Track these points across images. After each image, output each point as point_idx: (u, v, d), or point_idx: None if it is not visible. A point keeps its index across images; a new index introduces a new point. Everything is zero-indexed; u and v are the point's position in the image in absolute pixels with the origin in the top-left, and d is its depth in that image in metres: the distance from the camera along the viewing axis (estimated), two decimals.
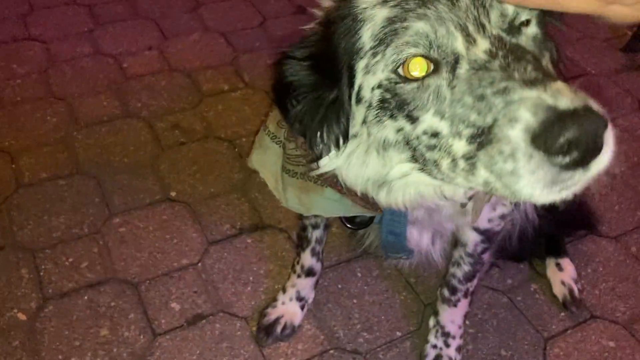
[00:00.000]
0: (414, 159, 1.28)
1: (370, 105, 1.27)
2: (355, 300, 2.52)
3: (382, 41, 1.18)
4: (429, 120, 1.19)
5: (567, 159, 0.97)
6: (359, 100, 1.29)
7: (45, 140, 3.17)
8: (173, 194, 2.93)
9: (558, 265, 2.58)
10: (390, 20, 1.17)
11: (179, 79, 3.62)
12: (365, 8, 1.23)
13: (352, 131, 1.35)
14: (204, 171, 3.06)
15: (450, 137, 1.16)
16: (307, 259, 2.33)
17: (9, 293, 2.48)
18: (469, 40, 1.13)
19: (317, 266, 2.37)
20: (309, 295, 2.42)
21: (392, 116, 1.24)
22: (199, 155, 3.14)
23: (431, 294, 2.52)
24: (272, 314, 2.38)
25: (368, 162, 1.37)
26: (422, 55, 1.15)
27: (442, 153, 1.19)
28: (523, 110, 1.00)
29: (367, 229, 2.19)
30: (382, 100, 1.23)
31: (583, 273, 2.66)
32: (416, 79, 1.16)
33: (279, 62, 1.35)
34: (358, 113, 1.31)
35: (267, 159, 1.82)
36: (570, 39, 4.07)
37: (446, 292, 2.20)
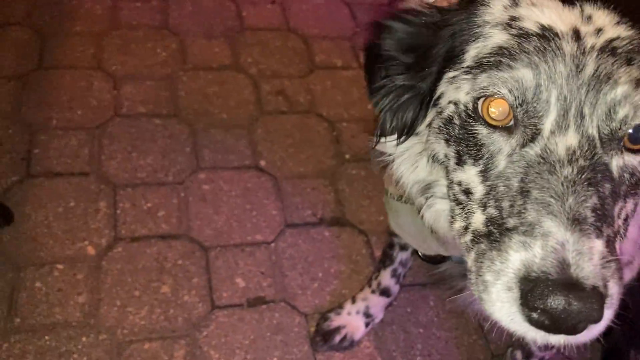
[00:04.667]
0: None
1: (440, 114, 1.18)
2: (421, 330, 2.39)
3: (482, 66, 1.07)
4: (470, 174, 1.10)
5: (535, 317, 0.92)
6: (435, 103, 1.21)
7: (150, 73, 3.11)
8: (262, 163, 2.84)
9: None
10: (501, 51, 1.05)
11: (294, 42, 3.48)
12: (486, 23, 1.11)
13: (416, 128, 1.28)
14: (297, 147, 2.94)
15: (476, 204, 1.08)
16: (387, 278, 2.20)
17: (84, 223, 2.46)
18: (560, 124, 1.00)
19: (395, 288, 2.24)
20: (378, 314, 2.30)
21: (447, 141, 1.16)
22: (296, 129, 3.02)
23: (502, 345, 2.35)
24: (335, 321, 2.27)
25: (418, 164, 1.32)
26: (509, 105, 1.03)
27: (462, 213, 1.12)
28: (538, 248, 0.92)
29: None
30: (449, 120, 1.14)
31: None
32: (487, 125, 1.06)
33: (381, 26, 1.25)
34: (428, 115, 1.24)
35: (403, 222, 1.70)
36: None
37: (519, 356, 2.02)
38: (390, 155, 1.37)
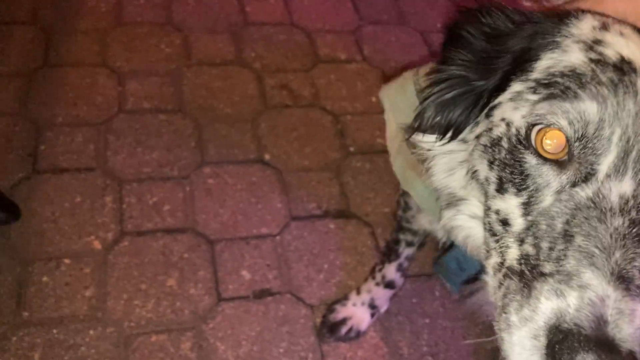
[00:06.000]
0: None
1: (489, 131, 1.09)
2: (427, 320, 2.39)
3: (548, 86, 0.98)
4: (511, 204, 1.02)
5: None
6: (488, 114, 1.11)
7: (154, 69, 3.12)
8: (267, 156, 2.84)
9: None
10: (573, 74, 0.96)
11: (298, 36, 3.49)
12: (570, 35, 1.03)
13: (464, 134, 1.18)
14: (302, 141, 2.94)
15: (513, 238, 1.00)
16: (391, 272, 2.20)
17: (90, 217, 2.48)
18: (618, 167, 0.91)
19: (400, 281, 2.24)
20: (383, 305, 2.30)
21: (491, 163, 1.07)
22: (300, 123, 3.02)
23: None
24: (340, 313, 2.28)
25: (455, 172, 1.23)
26: (566, 138, 0.95)
27: (496, 246, 1.04)
28: (574, 299, 0.84)
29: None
30: (497, 141, 1.05)
31: None
32: (538, 156, 0.98)
33: (468, 11, 1.17)
34: (480, 124, 1.14)
35: (399, 104, 1.57)
36: None
37: None
38: (429, 150, 1.27)
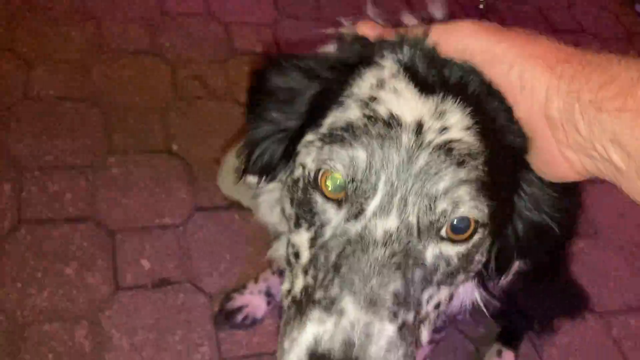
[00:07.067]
0: None
1: (292, 173, 1.19)
2: None
3: (331, 137, 1.08)
4: (302, 239, 1.12)
5: None
6: (294, 159, 1.20)
7: (64, 57, 3.08)
8: (175, 147, 2.86)
9: (499, 352, 2.45)
10: (349, 127, 1.06)
11: (215, 28, 3.50)
12: (352, 95, 1.11)
13: (280, 175, 1.27)
14: (211, 132, 2.97)
15: (301, 270, 1.10)
16: None
17: None
18: (384, 208, 1.02)
19: None
20: (279, 293, 2.36)
21: (292, 201, 1.16)
22: (211, 114, 3.04)
23: None
24: (237, 301, 2.33)
25: (274, 209, 1.34)
26: (343, 180, 1.05)
27: (290, 275, 1.14)
28: (330, 325, 0.96)
29: None
30: (296, 181, 1.15)
31: (558, 343, 2.59)
32: (323, 195, 1.08)
33: (273, 60, 1.24)
34: (289, 167, 1.23)
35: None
36: None
37: None
38: (257, 188, 1.36)
